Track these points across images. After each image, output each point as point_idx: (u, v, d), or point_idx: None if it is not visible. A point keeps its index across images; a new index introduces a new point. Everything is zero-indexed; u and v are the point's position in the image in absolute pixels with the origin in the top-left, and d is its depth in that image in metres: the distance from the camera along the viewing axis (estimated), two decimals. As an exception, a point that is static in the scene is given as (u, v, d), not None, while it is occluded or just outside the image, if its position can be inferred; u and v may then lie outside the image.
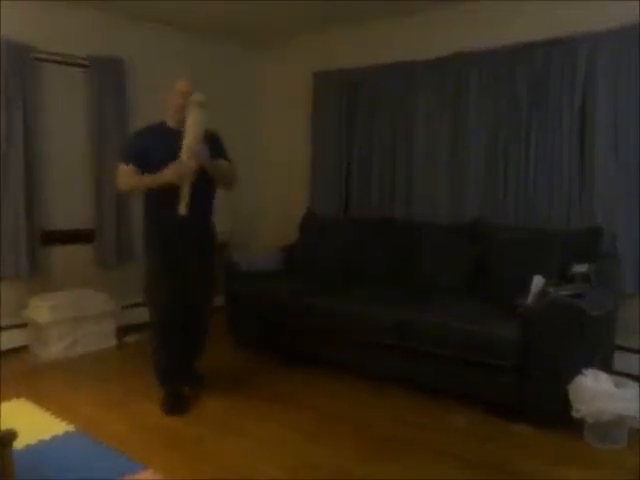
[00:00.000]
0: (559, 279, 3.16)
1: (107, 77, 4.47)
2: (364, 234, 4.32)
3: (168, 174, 2.95)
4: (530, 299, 3.03)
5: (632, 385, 2.76)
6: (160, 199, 3.09)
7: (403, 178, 4.58)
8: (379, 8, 4.37)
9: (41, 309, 3.98)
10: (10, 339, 4.06)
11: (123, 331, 4.43)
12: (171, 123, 3.16)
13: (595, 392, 2.68)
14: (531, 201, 3.95)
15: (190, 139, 2.97)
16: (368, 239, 4.26)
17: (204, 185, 3.12)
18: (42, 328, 3.95)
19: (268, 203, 5.65)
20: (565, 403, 2.77)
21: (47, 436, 2.78)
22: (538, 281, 3.08)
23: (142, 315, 4.72)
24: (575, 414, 2.73)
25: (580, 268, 3.17)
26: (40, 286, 4.20)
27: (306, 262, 4.39)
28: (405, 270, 4.00)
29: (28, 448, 2.62)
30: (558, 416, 2.86)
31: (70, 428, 2.89)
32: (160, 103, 3.25)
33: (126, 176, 3.11)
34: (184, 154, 2.96)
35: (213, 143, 3.19)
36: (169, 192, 2.97)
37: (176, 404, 3.13)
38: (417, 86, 4.44)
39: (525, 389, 2.93)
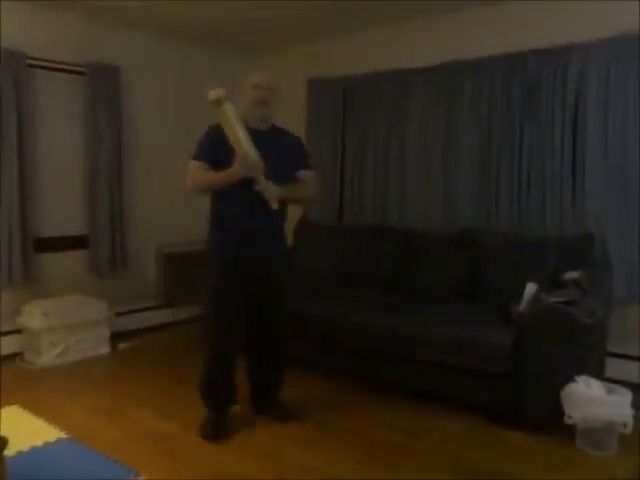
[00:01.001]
0: (552, 286, 3.18)
1: (102, 84, 4.48)
2: (358, 241, 4.33)
3: (235, 170, 2.70)
4: (523, 306, 3.05)
5: (623, 392, 2.77)
6: (227, 202, 2.87)
7: (396, 185, 4.60)
8: (373, 17, 4.40)
9: (34, 316, 3.97)
10: (4, 346, 4.04)
11: (117, 338, 4.42)
12: (248, 122, 2.84)
13: (587, 398, 2.70)
14: (524, 208, 3.98)
15: (242, 155, 2.67)
16: (362, 246, 4.27)
17: (281, 180, 2.84)
18: (35, 335, 3.95)
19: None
20: (558, 409, 2.79)
21: (39, 443, 2.77)
22: (531, 288, 3.10)
23: (135, 322, 4.77)
24: (567, 420, 2.75)
25: (572, 275, 3.19)
26: (34, 293, 4.20)
27: (300, 269, 4.40)
28: (399, 277, 4.01)
29: (20, 455, 2.61)
30: (551, 422, 2.87)
31: (63, 435, 2.88)
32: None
33: (196, 173, 2.87)
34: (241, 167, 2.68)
35: (292, 148, 2.98)
36: (238, 194, 2.77)
37: (217, 429, 2.92)
38: (410, 94, 4.47)
39: (518, 395, 2.94)
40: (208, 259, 2.97)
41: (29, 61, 4.12)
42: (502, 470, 2.61)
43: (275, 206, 2.76)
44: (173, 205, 5.13)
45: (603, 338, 3.38)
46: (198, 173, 2.87)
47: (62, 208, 4.49)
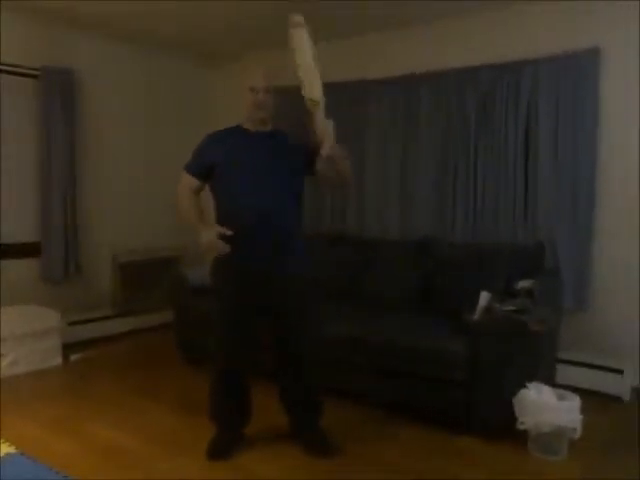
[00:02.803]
0: (505, 295, 3.26)
1: (57, 88, 4.39)
2: (316, 249, 4.33)
3: (201, 243, 2.60)
4: (477, 314, 3.11)
5: (573, 397, 2.85)
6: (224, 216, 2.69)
7: (355, 194, 4.64)
8: (333, 30, 4.45)
9: (-18, 326, 3.84)
10: (-51, 357, 3.90)
11: (70, 348, 4.31)
12: (247, 125, 2.74)
13: (538, 405, 2.77)
14: (478, 218, 4.08)
15: (309, 85, 2.49)
16: (320, 254, 4.28)
17: (281, 181, 2.68)
18: (-17, 346, 3.82)
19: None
20: (510, 415, 2.85)
21: (-14, 459, 2.68)
22: (485, 297, 3.17)
23: (89, 331, 4.66)
24: (520, 426, 2.81)
25: (525, 284, 3.27)
26: (-18, 302, 4.06)
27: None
28: (355, 285, 4.04)
29: (-34, 472, 2.52)
30: (504, 428, 2.93)
31: (12, 450, 2.78)
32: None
33: (183, 191, 2.73)
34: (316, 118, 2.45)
35: (294, 151, 2.74)
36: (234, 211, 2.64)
37: (220, 449, 2.79)
38: (368, 105, 4.53)
39: (472, 402, 3.00)
40: (212, 274, 2.83)
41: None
42: (455, 477, 2.65)
43: (326, 151, 2.51)
44: (129, 211, 5.06)
45: (554, 346, 3.48)
46: (183, 194, 2.75)
47: (13, 214, 4.36)
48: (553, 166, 3.79)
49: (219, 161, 2.69)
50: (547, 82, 3.77)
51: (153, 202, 5.24)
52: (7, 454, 2.74)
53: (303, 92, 2.55)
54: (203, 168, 2.72)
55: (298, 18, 2.52)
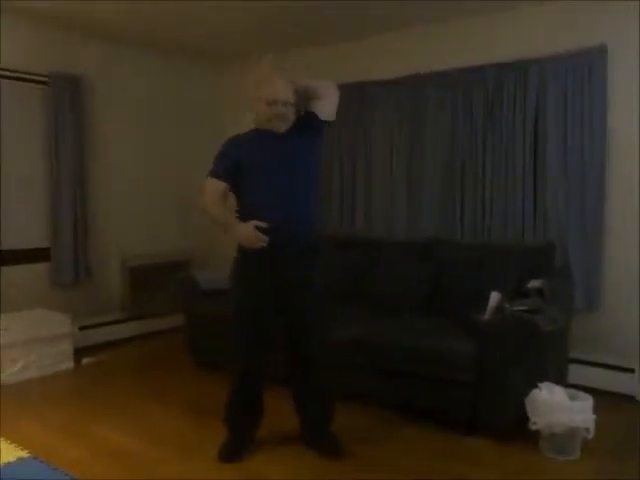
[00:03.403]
0: (515, 295, 3.24)
1: (65, 94, 4.42)
2: (324, 251, 4.32)
3: (240, 235, 2.65)
4: (487, 315, 3.09)
5: (585, 397, 2.84)
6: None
7: (362, 195, 4.64)
8: (340, 31, 4.47)
9: (-6, 331, 3.86)
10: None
11: (81, 353, 4.33)
12: (266, 128, 2.75)
13: (550, 405, 2.76)
14: (487, 218, 4.06)
15: None
16: (328, 256, 4.27)
17: (300, 181, 2.71)
18: (-5, 351, 3.84)
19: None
20: (522, 416, 2.83)
21: (-1, 463, 2.70)
22: (495, 297, 3.16)
23: (100, 336, 4.69)
24: (532, 427, 2.80)
25: (535, 283, 3.25)
26: (-7, 307, 4.09)
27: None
28: (362, 287, 4.02)
29: (-21, 476, 2.53)
30: (515, 429, 2.92)
31: (24, 454, 2.80)
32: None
33: (212, 198, 2.73)
34: None
35: (301, 133, 2.74)
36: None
37: (232, 452, 2.79)
38: (376, 106, 4.52)
39: (482, 403, 2.98)
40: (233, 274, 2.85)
41: (-10, 71, 4.05)
42: (466, 477, 2.64)
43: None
44: (139, 216, 5.08)
45: (565, 345, 3.46)
46: (213, 201, 2.74)
47: (23, 220, 4.39)
48: (562, 165, 3.77)
49: (242, 162, 2.72)
50: (555, 81, 3.75)
51: (162, 206, 5.26)
52: (20, 459, 2.76)
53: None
54: (229, 168, 2.73)
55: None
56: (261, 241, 2.60)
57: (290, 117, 2.74)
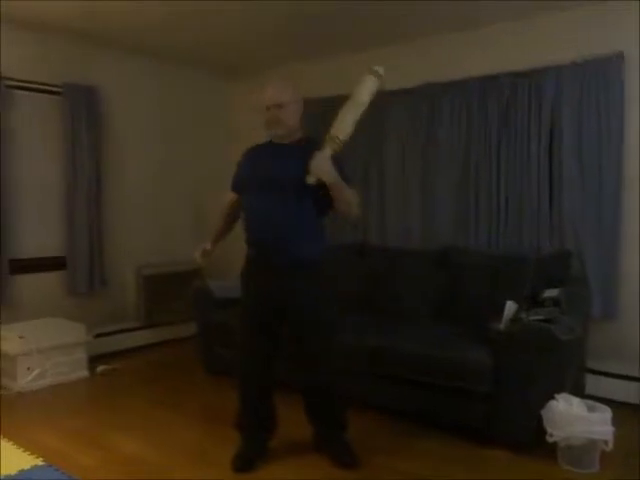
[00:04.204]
0: (531, 304, 3.20)
1: (81, 105, 4.46)
2: (339, 260, 4.32)
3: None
4: (503, 324, 3.06)
5: (604, 409, 2.78)
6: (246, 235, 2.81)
7: (376, 204, 4.63)
8: (353, 41, 4.47)
9: (10, 340, 3.89)
10: (-23, 371, 3.96)
11: (96, 361, 4.35)
12: (274, 139, 2.78)
13: (568, 416, 2.71)
14: (502, 226, 4.02)
15: (337, 127, 2.59)
16: (343, 265, 4.26)
17: (291, 194, 2.63)
18: (11, 359, 3.86)
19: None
20: (539, 427, 2.79)
21: (14, 471, 2.69)
22: (511, 306, 3.12)
23: (115, 344, 4.71)
24: (549, 438, 2.75)
25: (551, 293, 3.22)
26: (10, 316, 4.11)
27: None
28: (378, 296, 4.01)
29: (-6, 484, 2.54)
30: (532, 440, 2.87)
31: (39, 461, 2.80)
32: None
33: (221, 207, 2.97)
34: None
35: (304, 158, 2.60)
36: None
37: (245, 461, 2.78)
38: (389, 115, 4.52)
39: (498, 414, 2.95)
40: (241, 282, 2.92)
41: (7, 82, 4.09)
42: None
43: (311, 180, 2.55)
44: (153, 225, 5.11)
45: (582, 355, 3.41)
46: (220, 210, 2.98)
47: (39, 229, 4.43)
48: (578, 173, 3.73)
49: (244, 175, 2.83)
50: (570, 89, 3.72)
51: (176, 214, 5.29)
52: (34, 466, 2.76)
53: (332, 127, 2.64)
54: (237, 183, 2.88)
55: (379, 69, 2.69)
56: (199, 264, 2.96)
57: (287, 119, 2.68)
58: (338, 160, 2.65)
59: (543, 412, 2.79)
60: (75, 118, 4.44)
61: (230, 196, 2.91)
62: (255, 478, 2.70)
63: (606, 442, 2.68)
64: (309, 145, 2.68)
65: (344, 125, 2.64)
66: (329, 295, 2.83)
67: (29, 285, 4.33)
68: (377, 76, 2.66)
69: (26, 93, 4.28)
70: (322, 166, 2.55)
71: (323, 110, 4.83)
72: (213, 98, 5.59)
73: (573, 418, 2.70)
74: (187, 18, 3.98)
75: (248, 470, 2.75)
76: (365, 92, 2.64)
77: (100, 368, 4.31)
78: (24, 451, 2.92)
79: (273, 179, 2.67)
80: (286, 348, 2.81)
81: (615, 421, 2.73)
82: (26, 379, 3.88)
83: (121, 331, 4.81)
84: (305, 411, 2.91)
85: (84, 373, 4.18)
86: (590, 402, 2.85)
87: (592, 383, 3.48)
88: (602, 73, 3.61)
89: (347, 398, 2.95)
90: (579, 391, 3.16)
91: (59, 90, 4.41)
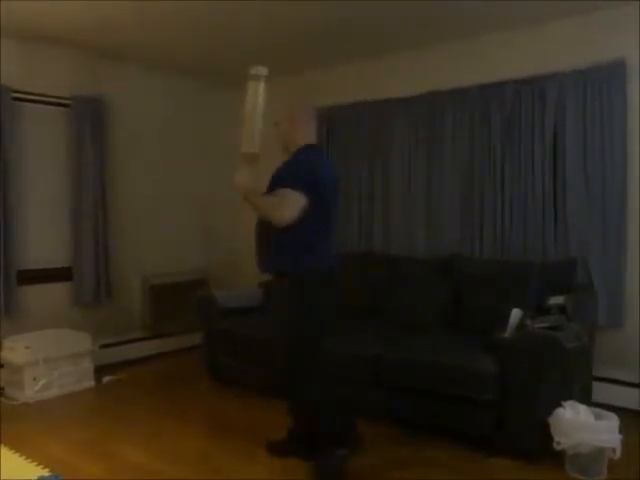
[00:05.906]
0: (537, 312, 3.19)
1: (87, 117, 4.50)
2: (343, 268, 4.32)
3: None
4: (509, 332, 3.05)
5: (611, 417, 2.77)
6: None
7: (381, 212, 4.64)
8: (357, 50, 4.50)
9: (16, 350, 3.90)
10: (-15, 381, 3.97)
11: (102, 371, 4.36)
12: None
13: (575, 424, 2.69)
14: (507, 234, 4.02)
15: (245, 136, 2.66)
16: (347, 273, 4.27)
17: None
18: (18, 369, 3.87)
19: (249, 237, 5.66)
20: (546, 435, 2.78)
21: (20, 481, 2.70)
22: (516, 314, 3.12)
23: (121, 354, 4.72)
24: (556, 446, 2.73)
25: (556, 300, 3.21)
26: (16, 326, 4.13)
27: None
28: (383, 304, 4.01)
29: (0, 494, 2.54)
30: (539, 449, 2.86)
31: (45, 472, 2.80)
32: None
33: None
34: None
35: (286, 165, 2.83)
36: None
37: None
38: (393, 124, 4.54)
39: (505, 422, 2.93)
40: None
41: (14, 94, 4.13)
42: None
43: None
44: (159, 235, 5.12)
45: (589, 363, 3.39)
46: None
47: (46, 240, 4.46)
48: (582, 180, 3.73)
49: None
50: (573, 96, 3.73)
51: (182, 226, 5.31)
52: (40, 477, 2.76)
53: (242, 145, 2.69)
54: None
55: (258, 70, 2.65)
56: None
57: (283, 138, 2.87)
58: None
59: (550, 420, 2.78)
60: (81, 130, 4.48)
61: None
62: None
63: (614, 450, 2.66)
64: (294, 156, 2.83)
65: (251, 138, 2.68)
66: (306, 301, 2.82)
67: (36, 296, 4.35)
68: (256, 78, 2.68)
69: (33, 105, 4.32)
70: (236, 183, 2.69)
71: (327, 119, 4.91)
72: (219, 109, 5.62)
73: (580, 426, 2.68)
74: (192, 31, 4.02)
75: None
76: (254, 98, 2.66)
77: (106, 378, 4.32)
78: (31, 461, 2.92)
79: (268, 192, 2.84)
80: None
81: (623, 429, 2.71)
82: (32, 389, 3.89)
83: (127, 341, 4.82)
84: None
85: (90, 383, 4.19)
86: (597, 410, 2.83)
87: (599, 391, 3.45)
88: (604, 80, 3.62)
89: (345, 406, 2.99)
90: (586, 398, 3.14)
91: (66, 102, 4.44)
